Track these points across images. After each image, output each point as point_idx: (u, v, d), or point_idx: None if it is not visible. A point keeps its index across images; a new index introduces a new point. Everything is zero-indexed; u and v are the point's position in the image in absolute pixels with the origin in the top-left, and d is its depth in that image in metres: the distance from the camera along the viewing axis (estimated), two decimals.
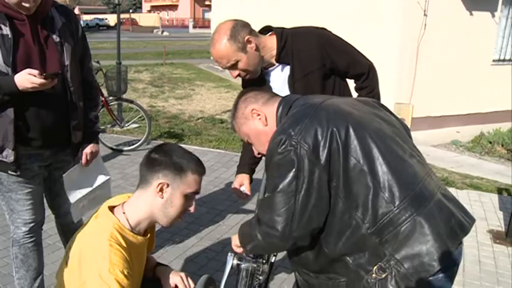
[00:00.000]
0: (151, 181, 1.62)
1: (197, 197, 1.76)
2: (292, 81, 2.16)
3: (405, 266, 1.41)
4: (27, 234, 2.32)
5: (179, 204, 1.64)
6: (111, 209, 1.67)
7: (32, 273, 2.41)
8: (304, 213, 1.47)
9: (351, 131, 1.49)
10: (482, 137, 7.00)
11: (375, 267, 1.45)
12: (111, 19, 45.74)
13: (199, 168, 1.68)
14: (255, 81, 2.15)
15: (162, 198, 1.62)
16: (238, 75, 2.11)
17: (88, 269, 1.50)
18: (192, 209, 1.70)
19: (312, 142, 1.46)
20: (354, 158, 1.47)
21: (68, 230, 2.58)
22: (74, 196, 2.42)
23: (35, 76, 1.95)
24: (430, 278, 1.42)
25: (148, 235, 1.75)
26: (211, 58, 2.17)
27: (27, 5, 1.99)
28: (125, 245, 1.56)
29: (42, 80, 1.96)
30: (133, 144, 5.90)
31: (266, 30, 2.22)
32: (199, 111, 8.52)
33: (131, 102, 6.16)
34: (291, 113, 1.62)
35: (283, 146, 1.48)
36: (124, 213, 1.64)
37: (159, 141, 6.29)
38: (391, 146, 1.52)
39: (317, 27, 2.23)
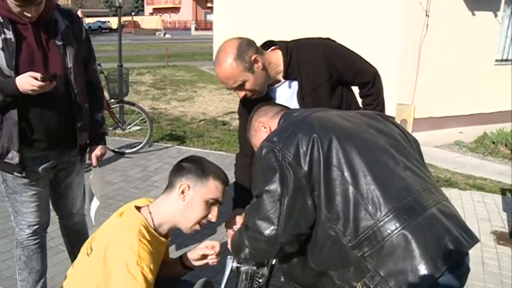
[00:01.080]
0: (176, 184, 1.72)
1: None
2: (301, 96, 2.09)
3: (390, 284, 1.33)
4: (31, 236, 2.34)
5: (199, 209, 1.71)
6: (137, 208, 1.74)
7: (34, 275, 2.42)
8: (290, 217, 1.45)
9: (335, 141, 1.47)
10: (485, 137, 6.97)
11: (359, 283, 1.39)
12: (114, 22, 45.82)
13: (222, 175, 1.76)
14: (259, 99, 2.04)
15: (184, 200, 1.70)
16: (245, 95, 2.02)
17: (115, 260, 1.54)
18: (213, 218, 1.76)
19: (294, 151, 1.47)
20: (336, 169, 1.44)
21: (71, 231, 2.62)
22: (97, 198, 2.55)
23: (36, 79, 1.97)
24: None
25: (169, 238, 1.82)
26: (217, 77, 2.08)
27: (28, 14, 2.02)
28: (150, 240, 1.63)
29: (41, 83, 1.97)
30: (135, 147, 5.91)
31: (268, 44, 2.15)
32: (201, 113, 8.52)
33: (133, 104, 6.16)
34: (280, 124, 1.68)
35: (266, 152, 1.51)
36: (150, 213, 1.72)
37: (161, 144, 6.30)
38: (380, 157, 1.48)
39: (321, 38, 2.18)
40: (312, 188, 1.45)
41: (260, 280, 1.84)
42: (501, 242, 3.66)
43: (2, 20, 2.03)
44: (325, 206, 1.44)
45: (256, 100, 2.02)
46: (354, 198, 1.41)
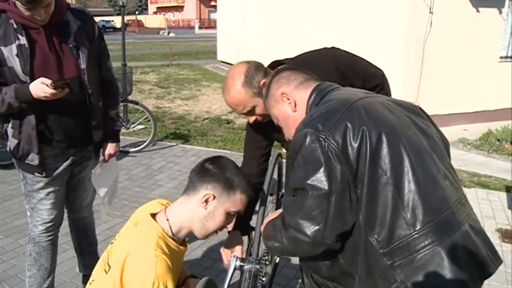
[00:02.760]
0: (200, 190, 1.61)
1: None
2: None
3: None
4: (43, 233, 2.39)
5: (220, 220, 1.63)
6: (153, 215, 1.65)
7: (42, 273, 2.45)
8: (338, 217, 1.33)
9: (384, 137, 1.35)
10: (490, 134, 6.94)
11: None
12: (118, 21, 45.91)
13: (249, 190, 1.66)
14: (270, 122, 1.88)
15: (206, 209, 1.61)
16: (256, 120, 1.98)
17: (131, 280, 1.47)
18: (230, 227, 1.71)
19: (342, 141, 1.34)
20: (381, 168, 1.33)
21: (79, 226, 2.66)
22: (102, 191, 2.55)
23: (47, 86, 2.01)
24: None
25: (187, 245, 1.73)
26: (226, 104, 2.03)
27: (39, 18, 2.05)
28: (168, 252, 1.54)
29: (52, 90, 2.02)
30: (139, 146, 5.92)
31: (277, 64, 2.04)
32: (205, 112, 8.53)
33: (136, 103, 6.17)
34: (322, 104, 1.49)
35: (310, 141, 1.36)
36: (168, 220, 1.62)
37: (165, 142, 6.30)
38: (425, 162, 1.37)
39: (326, 49, 2.13)
40: (356, 185, 1.35)
41: (264, 279, 1.84)
42: (506, 240, 3.65)
43: (16, 26, 2.07)
44: (364, 207, 1.35)
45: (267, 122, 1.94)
46: (394, 203, 1.32)
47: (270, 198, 2.14)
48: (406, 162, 1.34)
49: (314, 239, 1.33)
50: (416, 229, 1.30)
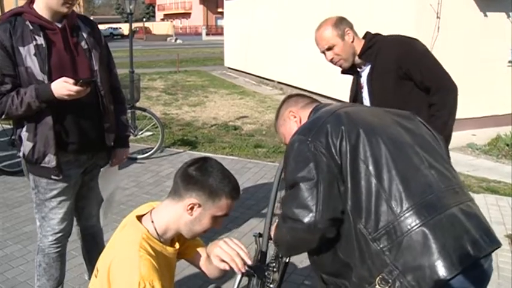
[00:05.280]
0: (184, 197, 1.59)
1: None
2: (370, 78, 2.46)
3: (407, 278, 1.36)
4: (53, 244, 2.39)
5: (207, 223, 1.62)
6: (139, 218, 1.65)
7: (52, 282, 2.46)
8: (328, 203, 1.46)
9: (362, 134, 1.50)
10: (499, 139, 6.88)
11: (378, 278, 1.40)
12: (125, 28, 46.22)
13: (235, 194, 1.63)
14: (354, 83, 2.64)
15: (191, 215, 1.59)
16: (332, 59, 2.47)
17: (117, 282, 1.47)
18: (217, 227, 1.67)
19: (325, 140, 1.51)
20: (362, 162, 1.47)
21: (87, 234, 2.67)
22: (105, 194, 2.56)
23: (70, 84, 2.04)
24: None
25: (177, 246, 1.72)
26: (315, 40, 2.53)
27: (66, 6, 2.13)
28: (153, 253, 1.54)
29: (79, 88, 2.05)
30: (147, 152, 5.94)
31: (368, 33, 2.54)
32: (212, 118, 8.55)
33: (144, 110, 6.21)
34: (311, 117, 1.72)
35: (298, 145, 1.54)
36: (152, 222, 1.62)
37: (173, 149, 6.33)
38: (406, 153, 1.50)
39: (408, 37, 2.52)
40: (342, 179, 1.48)
41: (271, 285, 1.84)
42: None
43: (32, 27, 2.12)
44: (350, 198, 1.47)
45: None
46: (376, 192, 1.43)
47: (277, 205, 2.14)
48: (386, 154, 1.47)
49: (308, 225, 1.46)
50: (400, 214, 1.40)
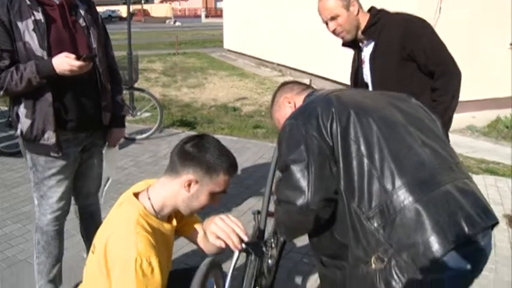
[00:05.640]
0: (181, 173, 1.58)
1: None
2: (373, 56, 2.41)
3: (403, 256, 1.34)
4: (51, 222, 2.39)
5: (204, 200, 1.62)
6: (136, 195, 1.65)
7: (51, 260, 2.47)
8: (320, 184, 1.46)
9: (352, 115, 1.50)
10: (498, 121, 6.88)
11: (373, 257, 1.40)
12: (124, 10, 45.75)
13: (232, 170, 1.63)
14: (355, 58, 2.58)
15: (189, 192, 1.59)
16: (334, 30, 2.39)
17: (113, 258, 1.47)
18: (215, 204, 1.67)
19: (316, 123, 1.51)
20: (353, 142, 1.46)
21: (86, 212, 2.68)
22: (109, 174, 2.62)
23: (72, 59, 2.03)
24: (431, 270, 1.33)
25: (175, 223, 1.71)
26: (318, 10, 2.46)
27: None
28: (150, 230, 1.53)
29: (81, 63, 2.04)
30: (145, 133, 5.94)
31: (372, 8, 2.47)
32: (211, 100, 8.51)
33: (142, 91, 6.19)
34: (305, 102, 1.74)
35: (289, 129, 1.55)
36: (149, 198, 1.62)
37: (172, 130, 6.31)
38: (398, 132, 1.49)
39: (414, 16, 2.46)
40: (334, 160, 1.48)
41: (269, 261, 1.85)
42: None
43: (29, 3, 2.10)
44: (343, 178, 1.46)
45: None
46: (368, 171, 1.43)
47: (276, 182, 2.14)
48: (377, 134, 1.47)
49: (301, 206, 1.46)
50: (393, 192, 1.39)
